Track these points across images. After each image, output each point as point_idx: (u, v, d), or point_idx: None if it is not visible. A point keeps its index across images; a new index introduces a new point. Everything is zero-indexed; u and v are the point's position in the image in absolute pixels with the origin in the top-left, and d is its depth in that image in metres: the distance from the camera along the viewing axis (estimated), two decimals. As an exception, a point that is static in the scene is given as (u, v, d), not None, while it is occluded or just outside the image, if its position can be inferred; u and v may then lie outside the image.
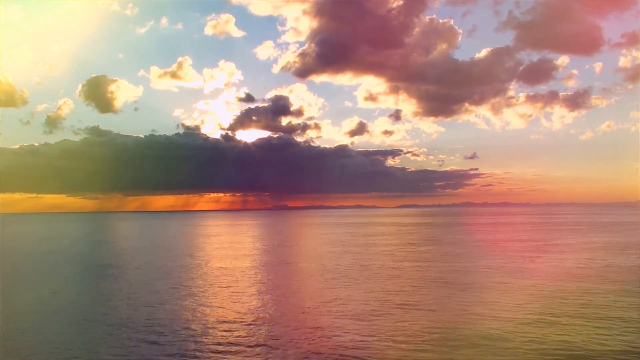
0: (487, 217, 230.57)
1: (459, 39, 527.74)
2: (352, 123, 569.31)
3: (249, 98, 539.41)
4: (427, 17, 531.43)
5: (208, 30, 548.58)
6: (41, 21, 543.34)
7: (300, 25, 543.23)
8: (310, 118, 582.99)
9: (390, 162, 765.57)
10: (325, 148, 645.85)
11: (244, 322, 26.40)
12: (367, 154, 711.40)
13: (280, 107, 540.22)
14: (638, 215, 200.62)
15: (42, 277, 45.12)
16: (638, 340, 22.06)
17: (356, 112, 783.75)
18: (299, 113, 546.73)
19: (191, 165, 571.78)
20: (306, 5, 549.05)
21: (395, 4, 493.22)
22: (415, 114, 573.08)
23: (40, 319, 27.71)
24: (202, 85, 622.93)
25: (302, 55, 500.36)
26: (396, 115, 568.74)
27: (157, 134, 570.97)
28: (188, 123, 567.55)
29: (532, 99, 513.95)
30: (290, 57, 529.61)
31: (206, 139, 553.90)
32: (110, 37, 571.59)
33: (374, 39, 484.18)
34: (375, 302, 31.01)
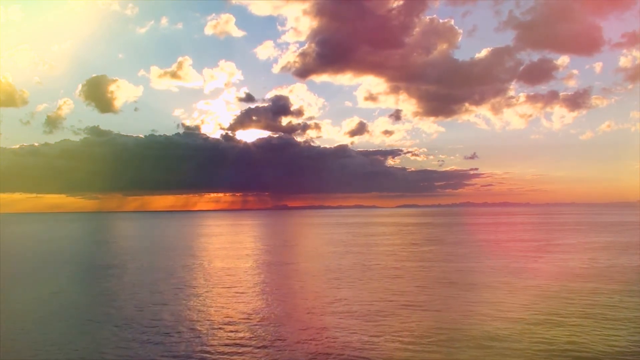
0: (487, 217, 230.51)
1: (459, 38, 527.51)
2: (352, 123, 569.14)
3: (249, 98, 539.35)
4: (428, 17, 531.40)
5: (208, 30, 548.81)
6: (41, 21, 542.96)
7: (301, 25, 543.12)
8: (310, 118, 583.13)
9: (390, 162, 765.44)
10: (325, 148, 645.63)
11: (250, 322, 26.27)
12: (367, 154, 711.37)
13: (280, 107, 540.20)
14: (638, 215, 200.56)
15: (43, 277, 44.96)
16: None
17: (356, 112, 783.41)
18: (299, 113, 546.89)
19: (191, 165, 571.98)
20: (306, 5, 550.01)
21: (395, 4, 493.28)
22: (416, 114, 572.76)
23: (43, 320, 27.58)
24: (202, 85, 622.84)
25: (302, 55, 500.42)
26: (396, 115, 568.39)
27: (157, 134, 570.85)
28: (188, 123, 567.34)
29: (532, 99, 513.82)
30: (291, 57, 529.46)
31: (206, 139, 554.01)
32: (110, 37, 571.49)
33: (374, 38, 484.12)
34: (380, 302, 30.89)
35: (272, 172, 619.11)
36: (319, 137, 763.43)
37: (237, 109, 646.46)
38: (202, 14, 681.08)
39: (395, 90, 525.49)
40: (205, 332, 24.47)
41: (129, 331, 24.81)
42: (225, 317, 27.38)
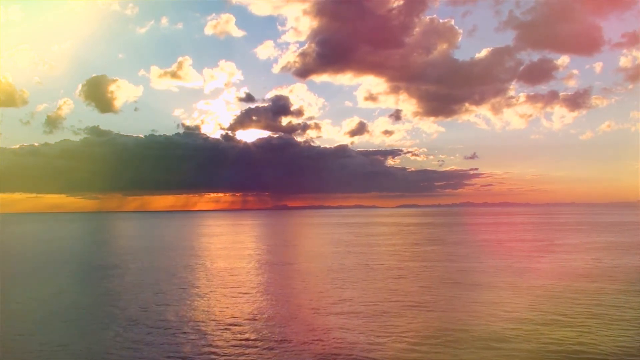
0: (487, 217, 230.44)
1: (460, 38, 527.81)
2: (352, 123, 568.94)
3: (249, 98, 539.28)
4: (428, 17, 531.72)
5: (208, 30, 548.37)
6: (41, 21, 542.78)
7: (301, 25, 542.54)
8: (311, 118, 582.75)
9: (390, 162, 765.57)
10: (325, 148, 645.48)
11: (256, 322, 26.13)
12: (367, 154, 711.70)
13: (280, 107, 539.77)
14: (639, 215, 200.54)
15: (43, 277, 44.77)
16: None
17: (356, 112, 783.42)
18: (299, 113, 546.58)
19: (191, 165, 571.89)
20: (306, 5, 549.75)
21: (395, 4, 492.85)
22: (416, 114, 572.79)
23: (44, 320, 27.43)
24: (202, 85, 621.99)
25: (303, 55, 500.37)
26: (396, 115, 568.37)
27: (157, 134, 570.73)
28: (188, 123, 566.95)
29: (532, 98, 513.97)
30: (291, 57, 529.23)
31: (206, 139, 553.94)
32: (110, 37, 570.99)
33: (374, 38, 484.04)
34: (385, 302, 30.75)
35: (272, 172, 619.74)
36: (319, 137, 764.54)
37: (237, 109, 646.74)
38: (202, 14, 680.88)
39: (395, 90, 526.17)
40: (211, 332, 24.31)
41: (135, 331, 24.65)
42: (230, 318, 27.23)
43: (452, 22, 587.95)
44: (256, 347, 21.89)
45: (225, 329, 24.94)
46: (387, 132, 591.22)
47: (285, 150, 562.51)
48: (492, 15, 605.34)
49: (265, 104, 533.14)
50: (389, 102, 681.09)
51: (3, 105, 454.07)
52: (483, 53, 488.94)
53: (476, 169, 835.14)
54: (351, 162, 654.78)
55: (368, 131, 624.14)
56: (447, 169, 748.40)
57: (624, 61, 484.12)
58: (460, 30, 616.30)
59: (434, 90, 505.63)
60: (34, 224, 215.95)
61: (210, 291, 35.74)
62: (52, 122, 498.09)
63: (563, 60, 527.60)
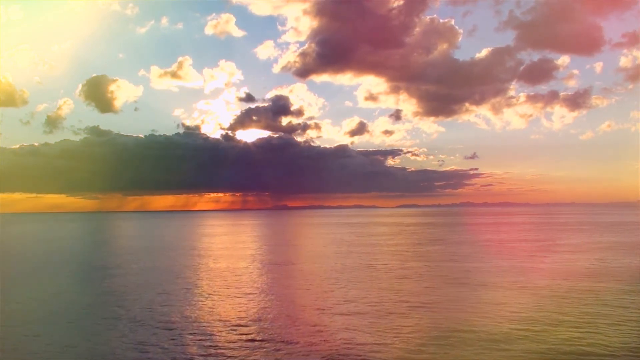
0: (487, 217, 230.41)
1: (460, 38, 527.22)
2: (352, 123, 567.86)
3: (249, 98, 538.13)
4: (428, 17, 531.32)
5: (208, 30, 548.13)
6: (41, 21, 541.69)
7: (301, 25, 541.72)
8: (311, 118, 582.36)
9: (390, 162, 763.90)
10: (325, 148, 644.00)
11: (262, 323, 25.99)
12: (367, 154, 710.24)
13: (280, 107, 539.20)
14: (639, 215, 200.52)
15: (43, 277, 44.61)
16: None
17: (356, 112, 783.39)
18: (299, 113, 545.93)
19: (191, 165, 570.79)
20: (306, 5, 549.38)
21: (395, 4, 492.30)
22: (416, 113, 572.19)
23: (45, 320, 27.29)
24: (202, 85, 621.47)
25: (303, 55, 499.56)
26: (396, 115, 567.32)
27: (157, 134, 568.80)
28: (188, 123, 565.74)
29: (532, 98, 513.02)
30: (291, 57, 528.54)
31: (206, 139, 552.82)
32: (110, 37, 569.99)
33: (374, 38, 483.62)
34: (390, 302, 30.62)
35: (272, 172, 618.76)
36: (319, 137, 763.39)
37: (237, 108, 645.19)
38: (202, 14, 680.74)
39: (395, 90, 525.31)
40: (217, 333, 24.18)
41: (141, 332, 24.51)
42: (236, 318, 27.08)
43: (452, 22, 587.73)
44: (263, 347, 21.76)
45: (232, 329, 24.80)
46: (387, 132, 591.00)
47: (285, 150, 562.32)
48: (492, 15, 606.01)
49: (265, 104, 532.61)
50: (389, 102, 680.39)
51: (3, 105, 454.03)
52: (483, 53, 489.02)
53: (476, 169, 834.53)
54: (351, 162, 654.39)
55: (368, 131, 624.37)
56: (447, 169, 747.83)
57: (624, 61, 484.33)
58: (461, 30, 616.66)
59: (434, 90, 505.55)
60: (34, 224, 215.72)
61: (214, 291, 35.60)
62: (52, 122, 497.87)
63: (563, 60, 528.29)
